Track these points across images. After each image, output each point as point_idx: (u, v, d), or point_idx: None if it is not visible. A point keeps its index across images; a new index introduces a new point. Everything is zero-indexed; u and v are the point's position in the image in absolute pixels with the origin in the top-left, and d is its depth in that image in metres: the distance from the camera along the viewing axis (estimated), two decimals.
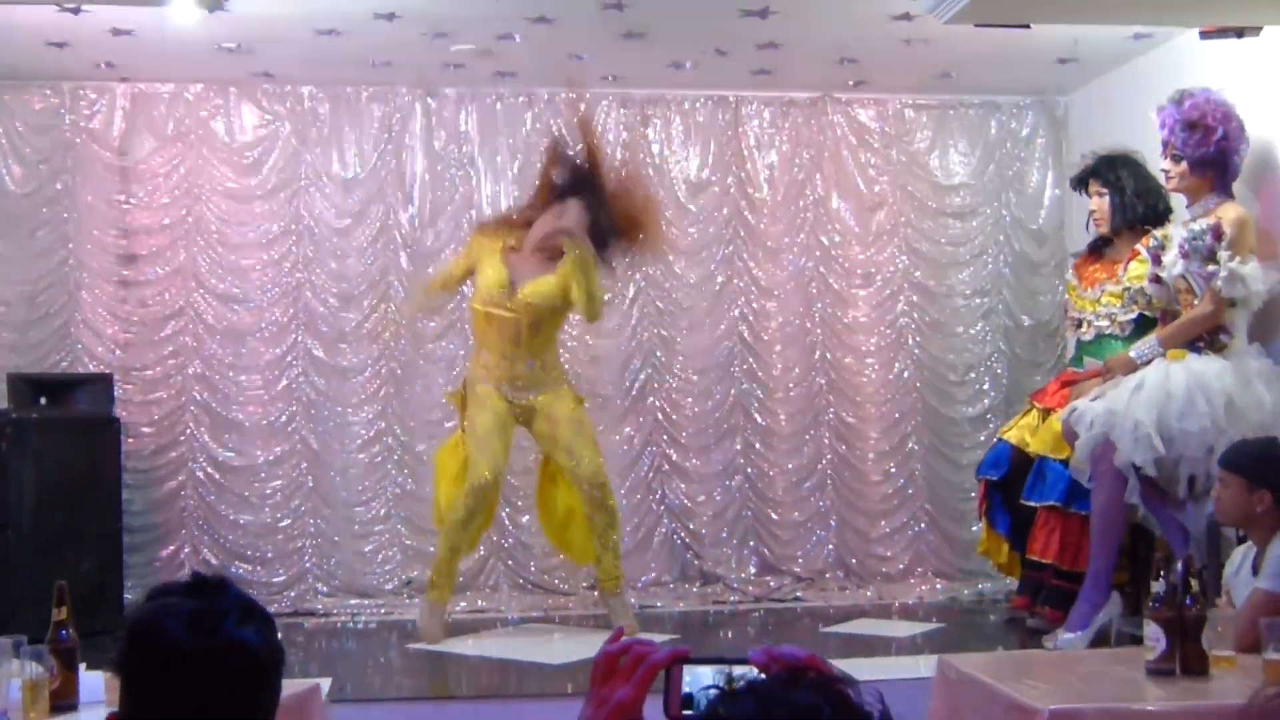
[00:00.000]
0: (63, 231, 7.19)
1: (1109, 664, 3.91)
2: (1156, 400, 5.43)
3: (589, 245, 6.08)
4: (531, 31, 6.30)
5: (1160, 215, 6.11)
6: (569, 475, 6.24)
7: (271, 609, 2.14)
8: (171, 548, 7.17)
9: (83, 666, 3.28)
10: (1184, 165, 5.63)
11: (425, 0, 5.90)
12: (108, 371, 7.00)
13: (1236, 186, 5.71)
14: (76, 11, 5.89)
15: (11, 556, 6.19)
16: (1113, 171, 6.24)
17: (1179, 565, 3.59)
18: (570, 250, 6.08)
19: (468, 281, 6.51)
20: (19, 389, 6.63)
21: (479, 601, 7.12)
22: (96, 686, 3.24)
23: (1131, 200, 6.15)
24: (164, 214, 7.28)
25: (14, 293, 7.15)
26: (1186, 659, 3.45)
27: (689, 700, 1.62)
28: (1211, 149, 5.56)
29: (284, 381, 7.31)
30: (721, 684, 1.58)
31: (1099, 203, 6.28)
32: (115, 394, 6.92)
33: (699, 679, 1.63)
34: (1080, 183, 6.44)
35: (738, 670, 1.58)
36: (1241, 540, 4.41)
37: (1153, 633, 3.46)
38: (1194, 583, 3.54)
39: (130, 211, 7.26)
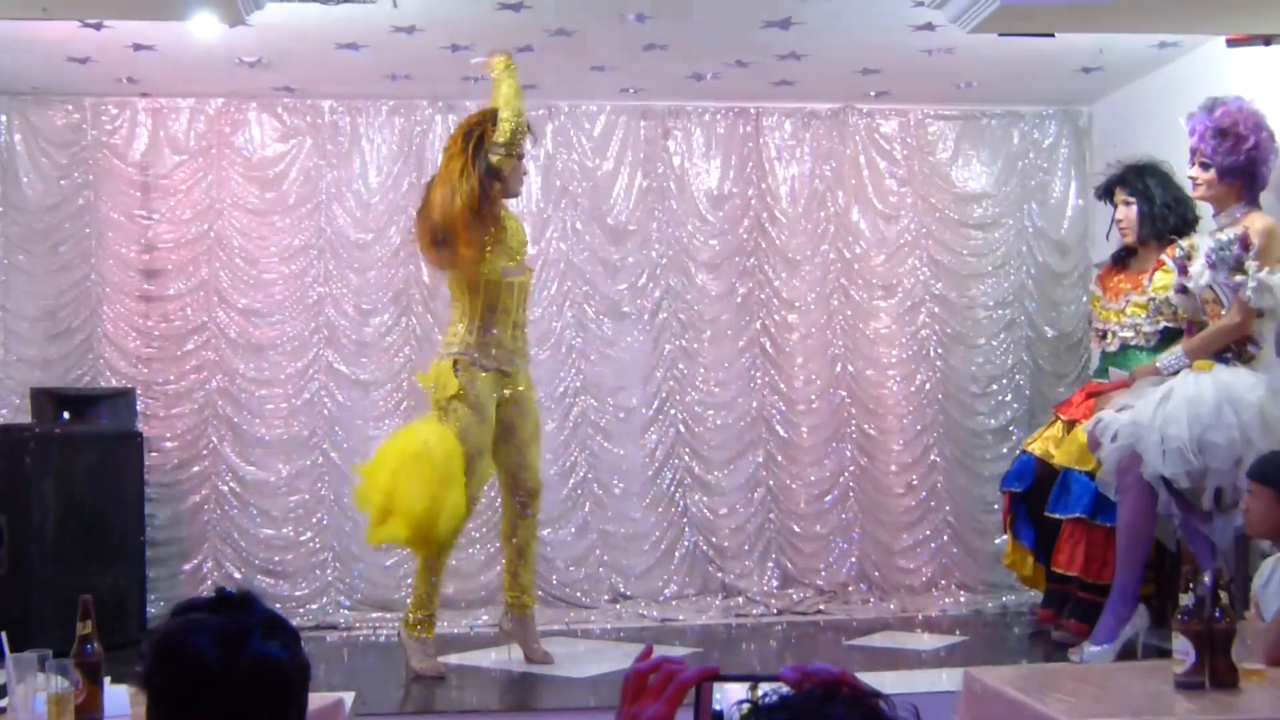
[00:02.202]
0: (84, 246, 7.22)
1: (1136, 677, 3.89)
2: (1185, 412, 5.39)
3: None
4: (552, 44, 6.30)
5: (1189, 225, 6.08)
6: (507, 472, 5.87)
7: (294, 623, 2.13)
8: (194, 561, 7.18)
9: (107, 680, 3.28)
10: (1212, 173, 5.59)
11: (445, 13, 5.90)
12: (130, 386, 7.03)
13: (1264, 196, 5.67)
14: (98, 27, 5.92)
15: (35, 571, 6.21)
16: (1140, 180, 6.21)
17: (1207, 578, 3.56)
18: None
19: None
20: (42, 404, 6.66)
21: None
22: (121, 700, 3.26)
23: (1162, 210, 6.11)
24: (185, 229, 7.30)
25: (36, 308, 7.18)
26: (1216, 672, 3.42)
27: (719, 718, 1.61)
28: (1241, 158, 5.52)
29: (306, 395, 7.32)
30: (753, 699, 1.56)
31: (1126, 211, 6.24)
32: (138, 409, 6.95)
33: (729, 696, 1.61)
34: (1105, 192, 6.41)
35: (769, 687, 1.57)
36: (1270, 552, 4.38)
37: (1181, 646, 3.43)
38: (1223, 595, 3.51)
39: (152, 226, 7.29)
